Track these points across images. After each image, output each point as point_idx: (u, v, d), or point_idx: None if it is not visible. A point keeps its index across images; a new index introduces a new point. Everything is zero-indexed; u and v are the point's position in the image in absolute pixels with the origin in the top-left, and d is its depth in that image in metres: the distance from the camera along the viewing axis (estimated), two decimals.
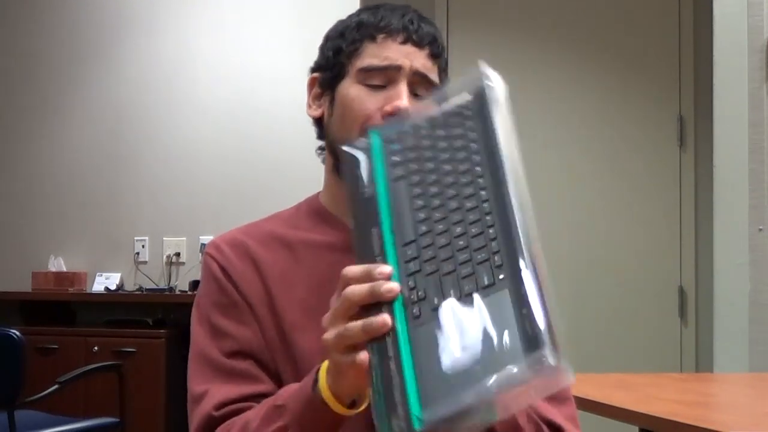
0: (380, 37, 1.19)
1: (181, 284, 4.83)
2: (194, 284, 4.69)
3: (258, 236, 1.27)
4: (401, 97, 1.17)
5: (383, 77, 1.18)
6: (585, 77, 3.92)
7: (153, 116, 4.94)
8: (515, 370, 0.76)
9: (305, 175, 4.44)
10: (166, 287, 4.82)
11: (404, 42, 1.19)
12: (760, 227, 2.92)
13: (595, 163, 3.88)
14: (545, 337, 0.77)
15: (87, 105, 5.02)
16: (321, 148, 1.28)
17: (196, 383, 1.18)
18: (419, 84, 1.19)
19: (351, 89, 1.20)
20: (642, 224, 3.85)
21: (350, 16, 1.26)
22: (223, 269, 1.24)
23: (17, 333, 3.21)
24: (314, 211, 1.29)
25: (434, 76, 1.21)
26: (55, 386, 3.45)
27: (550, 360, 0.76)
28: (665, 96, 3.85)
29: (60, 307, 4.83)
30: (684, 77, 3.83)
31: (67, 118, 5.04)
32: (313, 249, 1.24)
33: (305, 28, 4.68)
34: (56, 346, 4.47)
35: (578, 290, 3.77)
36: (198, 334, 1.24)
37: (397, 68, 1.18)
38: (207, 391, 1.15)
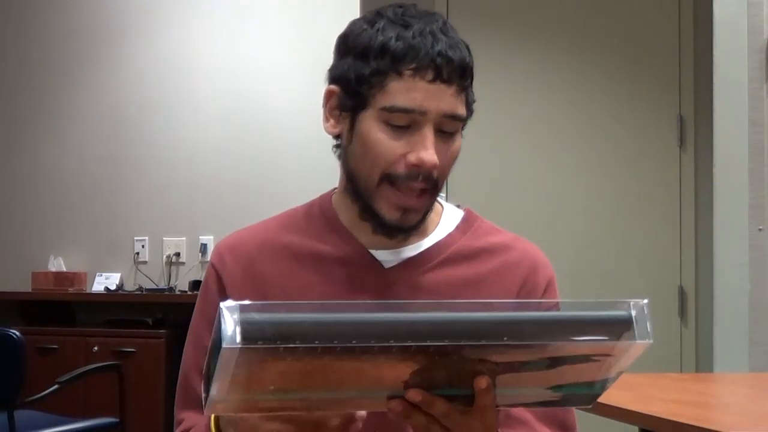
0: (407, 73, 1.11)
1: (181, 284, 4.83)
2: (194, 284, 4.69)
3: (265, 244, 1.25)
4: (426, 146, 1.12)
5: (408, 119, 1.12)
6: (585, 77, 3.91)
7: (153, 116, 4.94)
8: None
9: (305, 174, 4.47)
10: (166, 287, 4.82)
11: (433, 80, 1.11)
12: (760, 227, 2.92)
13: (594, 163, 3.88)
14: None
15: (87, 105, 5.02)
16: (337, 146, 1.22)
17: (177, 407, 1.24)
18: (446, 123, 1.14)
19: (373, 128, 1.13)
20: (642, 224, 3.85)
21: (375, 27, 1.15)
22: (220, 282, 1.23)
23: (17, 333, 3.21)
24: (327, 218, 1.25)
25: (461, 110, 1.14)
26: (55, 386, 3.45)
27: None
28: (665, 96, 3.85)
29: (60, 307, 4.82)
30: (684, 77, 3.83)
31: (66, 117, 5.04)
32: (322, 262, 1.21)
33: (305, 27, 4.68)
34: (56, 346, 4.47)
35: (578, 290, 3.77)
36: (187, 351, 1.25)
37: (423, 113, 1.11)
38: (182, 420, 1.20)
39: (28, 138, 5.08)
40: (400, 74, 1.11)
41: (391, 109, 1.12)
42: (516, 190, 3.86)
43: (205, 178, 4.85)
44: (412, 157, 1.12)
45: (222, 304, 0.84)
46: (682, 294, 3.81)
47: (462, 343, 0.85)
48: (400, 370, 0.90)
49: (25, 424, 3.28)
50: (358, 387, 0.92)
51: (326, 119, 1.20)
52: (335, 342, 0.83)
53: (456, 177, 3.63)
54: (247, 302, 0.84)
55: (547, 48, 3.91)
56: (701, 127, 3.69)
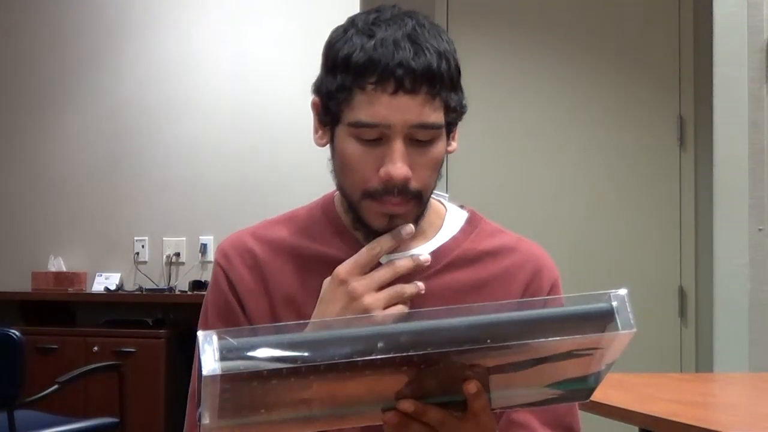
0: (369, 87, 1.09)
1: (181, 284, 4.83)
2: (194, 284, 4.69)
3: (269, 244, 1.24)
4: (394, 160, 1.10)
5: (375, 132, 1.11)
6: (585, 77, 3.91)
7: (153, 116, 4.94)
8: None
9: (305, 174, 4.46)
10: (165, 287, 4.82)
11: (394, 93, 1.09)
12: (760, 227, 2.92)
13: (595, 163, 3.88)
14: None
15: (87, 105, 5.02)
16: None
17: (193, 407, 1.19)
18: (417, 132, 1.11)
19: (346, 143, 1.13)
20: (642, 224, 3.85)
21: (344, 37, 1.13)
22: (230, 282, 1.23)
23: (17, 333, 3.21)
24: (330, 219, 1.25)
25: (432, 118, 1.11)
26: (55, 386, 3.45)
27: None
28: (665, 96, 3.85)
29: (60, 307, 4.83)
30: (684, 77, 3.83)
31: (66, 117, 5.04)
32: (325, 265, 1.19)
33: (305, 26, 4.68)
34: (56, 346, 4.47)
35: (578, 290, 3.77)
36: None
37: (387, 126, 1.10)
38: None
39: (28, 138, 5.08)
40: (363, 89, 1.10)
41: (357, 125, 1.11)
42: (516, 190, 3.86)
43: (205, 178, 4.85)
44: (382, 173, 1.11)
45: (199, 333, 0.84)
46: (682, 294, 3.81)
47: (445, 350, 0.85)
48: (392, 383, 0.90)
49: (25, 424, 3.27)
50: (351, 402, 0.92)
51: (315, 131, 1.20)
52: (318, 360, 0.83)
53: (456, 177, 3.64)
54: (224, 329, 0.85)
55: (547, 48, 3.92)
56: (701, 127, 3.69)
